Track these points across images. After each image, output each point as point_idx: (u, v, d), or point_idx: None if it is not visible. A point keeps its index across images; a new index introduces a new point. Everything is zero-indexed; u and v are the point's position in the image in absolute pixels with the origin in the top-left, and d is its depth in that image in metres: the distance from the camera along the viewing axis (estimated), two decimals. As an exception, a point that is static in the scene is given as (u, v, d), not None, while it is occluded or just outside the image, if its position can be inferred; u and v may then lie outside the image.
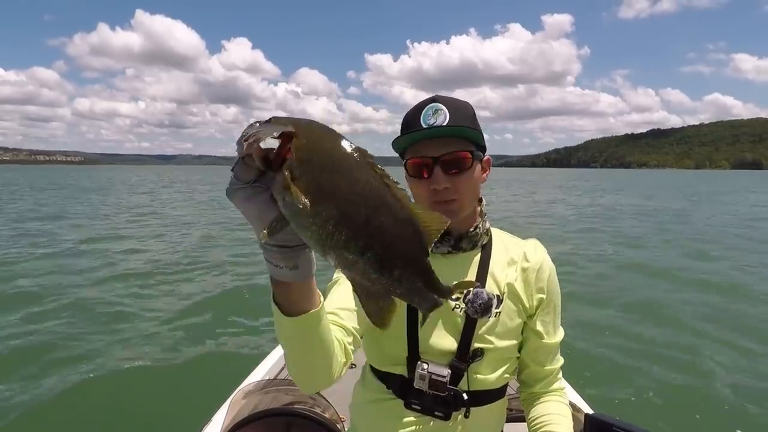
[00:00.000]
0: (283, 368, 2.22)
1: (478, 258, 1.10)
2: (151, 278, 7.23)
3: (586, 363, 4.21)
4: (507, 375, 1.11)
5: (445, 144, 1.00)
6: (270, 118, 0.52)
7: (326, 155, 0.50)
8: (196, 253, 9.35)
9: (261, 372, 2.18)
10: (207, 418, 1.78)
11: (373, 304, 0.58)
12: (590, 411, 1.37)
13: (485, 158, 1.07)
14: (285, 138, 0.51)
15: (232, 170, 0.54)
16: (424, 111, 1.02)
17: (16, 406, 3.42)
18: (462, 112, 1.03)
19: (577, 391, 2.09)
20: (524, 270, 1.11)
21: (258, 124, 0.52)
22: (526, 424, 1.15)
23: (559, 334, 1.15)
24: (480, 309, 1.02)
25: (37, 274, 7.40)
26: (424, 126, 1.01)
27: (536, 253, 1.13)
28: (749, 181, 69.44)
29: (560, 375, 1.18)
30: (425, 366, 1.02)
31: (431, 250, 0.98)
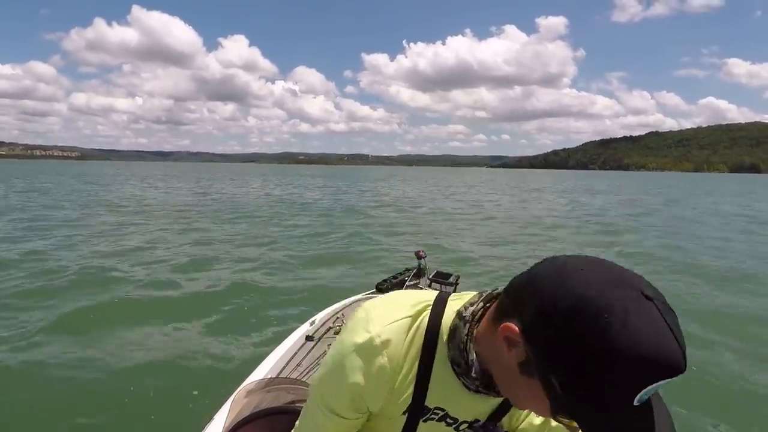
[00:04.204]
0: (285, 366, 2.20)
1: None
2: (150, 274, 7.18)
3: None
4: None
5: None
6: None
7: None
8: (198, 248, 9.28)
9: (263, 370, 2.15)
10: (208, 417, 1.76)
11: None
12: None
13: None
14: None
15: None
16: (652, 387, 0.60)
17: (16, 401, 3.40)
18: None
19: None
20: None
21: None
22: None
23: None
24: None
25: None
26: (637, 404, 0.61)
27: None
28: (738, 185, 69.54)
29: None
30: None
31: (462, 383, 0.91)
